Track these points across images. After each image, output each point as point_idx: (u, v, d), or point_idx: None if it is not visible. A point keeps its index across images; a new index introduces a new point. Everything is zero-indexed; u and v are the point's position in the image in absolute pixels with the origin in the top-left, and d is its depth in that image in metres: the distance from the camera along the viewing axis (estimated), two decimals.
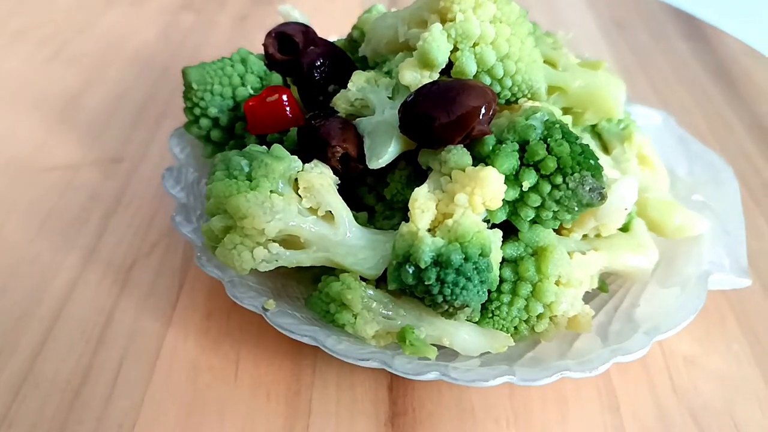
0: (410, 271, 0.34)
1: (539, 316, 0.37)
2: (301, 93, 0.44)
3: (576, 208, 0.35)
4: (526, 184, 0.35)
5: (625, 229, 0.43)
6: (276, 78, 0.45)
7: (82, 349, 0.39)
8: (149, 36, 0.72)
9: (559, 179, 0.34)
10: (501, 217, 0.36)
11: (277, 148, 0.38)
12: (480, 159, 0.36)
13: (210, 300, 0.42)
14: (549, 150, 0.35)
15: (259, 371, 0.39)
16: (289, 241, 0.37)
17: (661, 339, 0.36)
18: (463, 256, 0.33)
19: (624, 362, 0.35)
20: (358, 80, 0.41)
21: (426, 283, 0.34)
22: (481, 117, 0.35)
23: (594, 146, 0.46)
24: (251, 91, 0.44)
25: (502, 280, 0.37)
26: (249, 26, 0.75)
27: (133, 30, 0.73)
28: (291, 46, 0.46)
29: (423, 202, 0.35)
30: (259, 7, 0.80)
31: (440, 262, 0.33)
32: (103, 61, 0.67)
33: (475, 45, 0.38)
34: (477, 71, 0.38)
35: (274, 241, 0.36)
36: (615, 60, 0.73)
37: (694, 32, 0.80)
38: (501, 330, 0.37)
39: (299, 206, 0.36)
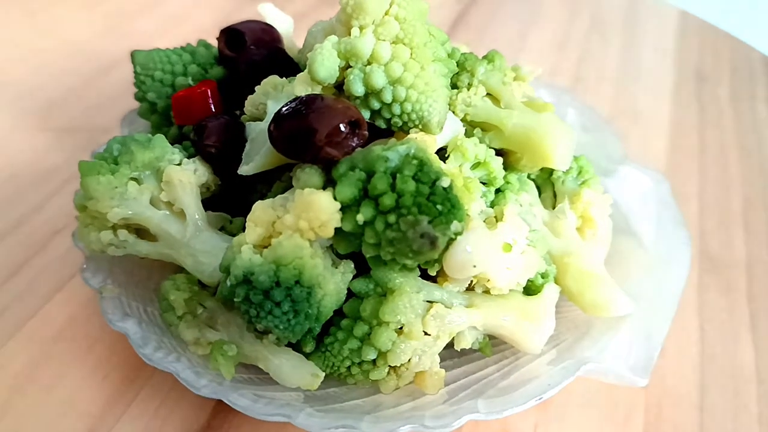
0: (228, 284, 0.33)
1: (375, 363, 0.34)
2: (234, 90, 0.44)
3: (410, 254, 0.32)
4: (359, 218, 0.32)
5: (533, 291, 0.39)
6: (216, 72, 0.45)
7: None
8: (205, 22, 0.76)
9: (393, 218, 0.31)
10: (347, 248, 0.34)
11: (157, 138, 0.38)
12: (334, 183, 0.34)
13: None
14: (393, 186, 0.32)
15: (110, 352, 0.39)
16: (147, 232, 0.37)
17: (481, 419, 0.32)
18: (275, 280, 0.32)
19: None
20: (266, 85, 0.40)
21: (235, 299, 0.32)
22: (331, 138, 0.33)
23: (535, 195, 0.42)
24: (191, 82, 0.45)
25: (344, 315, 0.35)
26: (306, 24, 0.76)
27: (192, 15, 0.77)
28: (243, 44, 0.46)
29: (258, 215, 0.33)
30: (322, 7, 0.81)
31: (250, 280, 0.32)
32: (152, 39, 0.71)
33: (368, 64, 0.35)
34: (367, 93, 0.36)
35: (127, 227, 0.37)
36: (673, 116, 0.65)
37: None
38: (331, 369, 0.35)
39: (158, 198, 0.37)
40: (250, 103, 0.40)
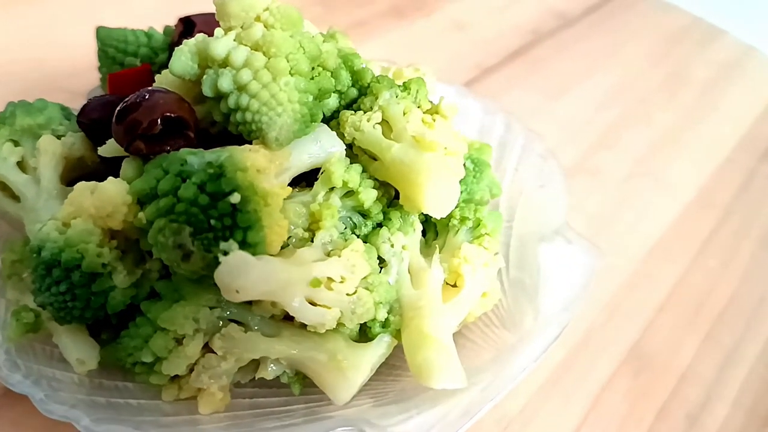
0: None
1: (154, 366, 0.34)
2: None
3: (174, 263, 0.31)
4: (141, 215, 0.32)
5: (370, 338, 0.36)
6: (164, 57, 0.47)
7: None
8: None
9: (163, 222, 0.30)
10: (146, 245, 0.33)
11: (50, 108, 0.40)
12: None
13: None
14: (176, 190, 0.31)
15: None
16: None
17: None
18: (57, 259, 0.32)
19: None
20: (165, 75, 0.40)
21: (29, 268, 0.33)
22: (144, 132, 0.33)
23: (414, 239, 0.39)
24: (138, 63, 0.47)
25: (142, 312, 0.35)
26: (359, 31, 0.76)
27: None
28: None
29: (76, 195, 0.34)
30: (388, 17, 0.80)
31: (40, 253, 0.33)
32: None
33: (223, 66, 0.35)
34: (220, 96, 0.35)
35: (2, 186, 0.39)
36: (705, 186, 0.56)
37: None
38: (120, 362, 0.35)
39: (28, 163, 0.38)
40: None
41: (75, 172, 0.40)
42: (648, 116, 0.65)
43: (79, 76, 0.64)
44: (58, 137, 0.39)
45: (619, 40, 0.79)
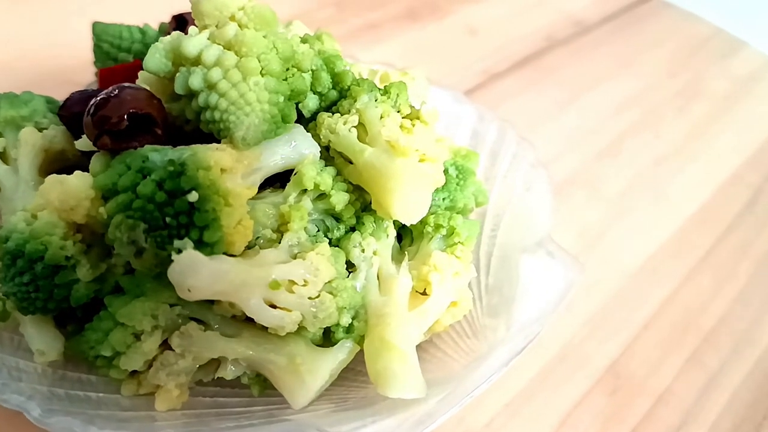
0: None
1: (112, 361, 0.34)
2: None
3: (130, 259, 0.31)
4: (102, 210, 0.32)
5: (334, 343, 0.36)
6: None
7: None
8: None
9: (120, 218, 0.31)
10: (110, 239, 0.33)
11: (35, 101, 0.41)
12: None
13: None
14: (135, 186, 0.31)
15: None
16: None
17: None
18: (21, 250, 0.32)
19: None
20: (145, 73, 0.40)
21: None
22: (110, 128, 0.33)
23: (387, 245, 0.38)
24: (131, 59, 0.47)
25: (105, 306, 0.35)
26: (371, 33, 0.76)
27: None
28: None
29: (46, 187, 0.34)
30: (402, 20, 0.80)
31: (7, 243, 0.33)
32: None
33: (195, 65, 0.35)
34: (189, 93, 0.35)
35: None
36: (705, 204, 0.54)
37: None
38: (83, 353, 0.35)
39: (9, 154, 0.39)
40: None
41: (56, 165, 0.40)
42: (656, 128, 0.63)
43: (88, 70, 0.65)
44: (41, 130, 0.40)
45: (636, 49, 0.77)
